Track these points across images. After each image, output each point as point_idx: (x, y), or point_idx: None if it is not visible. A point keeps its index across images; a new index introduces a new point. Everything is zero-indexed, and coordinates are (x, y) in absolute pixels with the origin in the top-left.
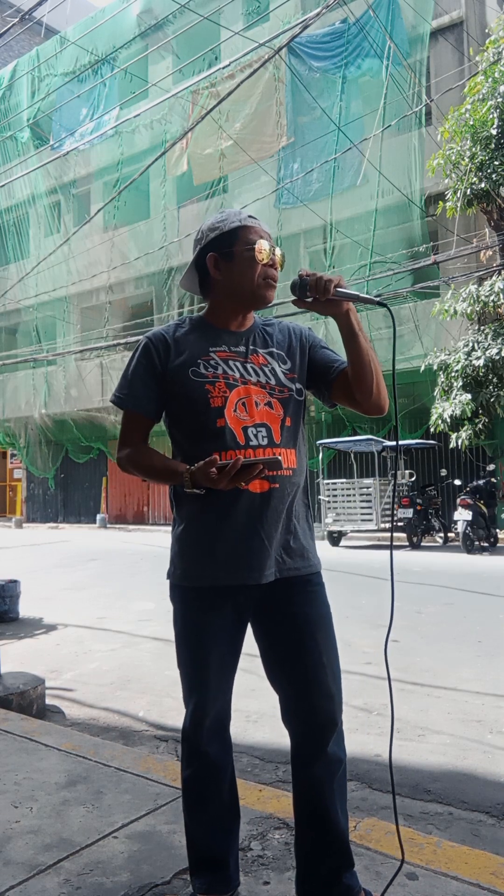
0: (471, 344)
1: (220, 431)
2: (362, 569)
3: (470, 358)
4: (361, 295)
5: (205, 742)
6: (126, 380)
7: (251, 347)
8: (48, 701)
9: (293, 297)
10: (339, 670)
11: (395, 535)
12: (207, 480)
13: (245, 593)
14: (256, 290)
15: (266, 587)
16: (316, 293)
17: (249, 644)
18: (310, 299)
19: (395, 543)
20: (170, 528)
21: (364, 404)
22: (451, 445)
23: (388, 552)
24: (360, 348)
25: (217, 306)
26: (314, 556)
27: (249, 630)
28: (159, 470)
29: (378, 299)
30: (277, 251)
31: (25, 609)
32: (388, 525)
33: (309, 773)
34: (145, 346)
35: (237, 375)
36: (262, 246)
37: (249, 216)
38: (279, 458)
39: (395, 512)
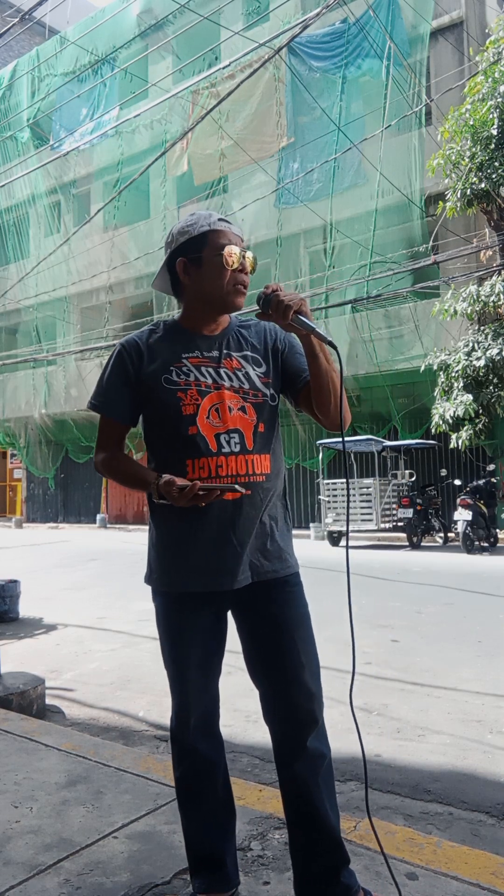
0: (471, 344)
1: (192, 439)
2: (362, 569)
3: (470, 358)
4: (317, 330)
5: (192, 740)
6: (101, 387)
7: (224, 351)
8: (48, 701)
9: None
10: (319, 668)
11: (396, 535)
12: (169, 497)
13: (222, 597)
14: (226, 297)
15: (244, 589)
16: (275, 314)
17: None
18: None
19: (396, 544)
20: None
21: (323, 420)
22: (451, 446)
23: (387, 552)
24: (319, 369)
25: (189, 310)
26: (291, 557)
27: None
28: (131, 477)
29: (329, 339)
30: (249, 255)
31: (25, 609)
32: (388, 525)
33: (291, 772)
34: (119, 353)
35: (209, 381)
36: (232, 251)
37: (220, 219)
38: (236, 486)
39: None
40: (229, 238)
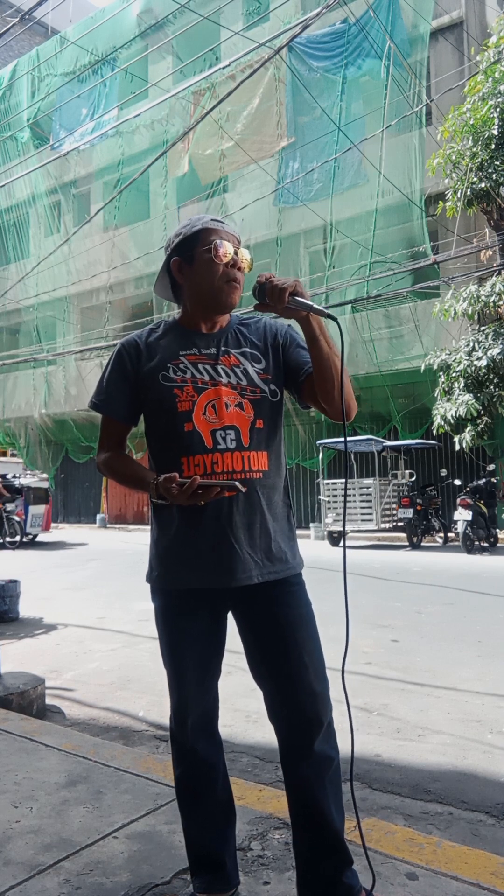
0: (471, 344)
1: (188, 435)
2: (362, 569)
3: (471, 358)
4: (315, 306)
5: (191, 740)
6: (101, 386)
7: (223, 349)
8: (48, 701)
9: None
10: (324, 668)
11: (396, 535)
12: (168, 495)
13: (222, 595)
14: (218, 293)
15: (244, 589)
16: (271, 300)
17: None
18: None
19: (396, 544)
20: None
21: (328, 409)
22: (454, 448)
23: (387, 552)
24: (320, 353)
25: (187, 310)
26: (293, 559)
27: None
28: (130, 478)
29: (328, 312)
30: (245, 253)
31: (25, 609)
32: (388, 525)
33: (297, 773)
34: (118, 353)
35: (206, 378)
36: (221, 247)
37: (213, 219)
38: (236, 483)
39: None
40: (220, 235)
